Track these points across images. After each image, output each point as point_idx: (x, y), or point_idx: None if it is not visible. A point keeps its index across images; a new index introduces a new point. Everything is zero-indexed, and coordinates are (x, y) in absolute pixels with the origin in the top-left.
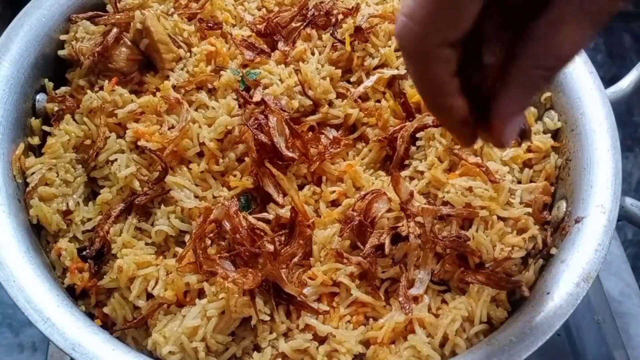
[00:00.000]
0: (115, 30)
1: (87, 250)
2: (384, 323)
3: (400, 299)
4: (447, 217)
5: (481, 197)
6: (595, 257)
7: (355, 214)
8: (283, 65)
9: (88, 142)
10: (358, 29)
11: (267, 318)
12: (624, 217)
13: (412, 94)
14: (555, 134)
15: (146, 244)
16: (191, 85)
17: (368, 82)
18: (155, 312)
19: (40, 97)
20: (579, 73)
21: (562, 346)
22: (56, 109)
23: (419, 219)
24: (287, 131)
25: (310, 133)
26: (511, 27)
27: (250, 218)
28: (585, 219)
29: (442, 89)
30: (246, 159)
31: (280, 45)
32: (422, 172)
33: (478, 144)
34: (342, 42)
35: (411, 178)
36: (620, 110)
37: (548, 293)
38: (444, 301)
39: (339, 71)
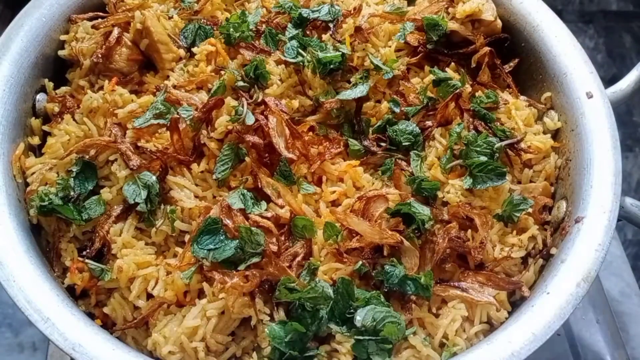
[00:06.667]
0: (116, 30)
1: (87, 250)
2: None
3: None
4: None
5: (481, 197)
6: (595, 257)
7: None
8: (283, 65)
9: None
10: (358, 29)
11: (267, 318)
12: (624, 217)
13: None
14: (555, 134)
15: (146, 244)
16: (191, 85)
17: None
18: (155, 312)
19: (40, 97)
20: (579, 73)
21: (562, 346)
22: (56, 109)
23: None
24: (287, 132)
25: (311, 133)
26: None
27: (253, 216)
28: (585, 219)
29: None
30: (246, 159)
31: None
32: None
33: None
34: (342, 42)
35: None
36: (620, 110)
37: (548, 293)
38: (444, 301)
39: (339, 71)
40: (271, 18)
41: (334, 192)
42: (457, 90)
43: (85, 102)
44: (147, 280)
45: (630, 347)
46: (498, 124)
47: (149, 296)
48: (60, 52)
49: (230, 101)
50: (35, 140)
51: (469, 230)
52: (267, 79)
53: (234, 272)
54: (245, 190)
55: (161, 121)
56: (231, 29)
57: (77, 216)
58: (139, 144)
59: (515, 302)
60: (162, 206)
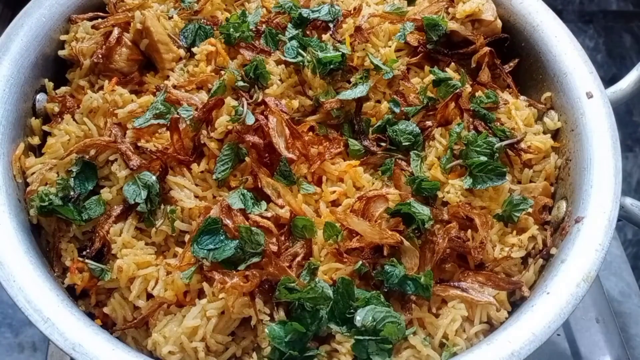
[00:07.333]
0: (116, 30)
1: (87, 250)
2: None
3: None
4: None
5: (481, 197)
6: (595, 257)
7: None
8: (283, 65)
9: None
10: (358, 29)
11: (267, 318)
12: (624, 217)
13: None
14: (555, 134)
15: (146, 244)
16: (191, 85)
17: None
18: (155, 312)
19: (40, 97)
20: (579, 73)
21: (562, 346)
22: (56, 109)
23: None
24: (287, 132)
25: (311, 133)
26: None
27: (253, 216)
28: (585, 219)
29: None
30: (247, 159)
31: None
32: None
33: None
34: (342, 42)
35: None
36: (620, 110)
37: (548, 293)
38: (444, 301)
39: (339, 71)
40: (271, 18)
41: (334, 192)
42: (457, 90)
43: (85, 102)
44: (147, 280)
45: (630, 347)
46: (498, 124)
47: (149, 296)
48: (60, 52)
49: (230, 101)
50: (35, 140)
51: (469, 230)
52: (267, 79)
53: (234, 272)
54: (245, 190)
55: (161, 121)
56: (231, 29)
57: (77, 216)
58: (139, 144)
59: (515, 302)
60: (162, 206)
